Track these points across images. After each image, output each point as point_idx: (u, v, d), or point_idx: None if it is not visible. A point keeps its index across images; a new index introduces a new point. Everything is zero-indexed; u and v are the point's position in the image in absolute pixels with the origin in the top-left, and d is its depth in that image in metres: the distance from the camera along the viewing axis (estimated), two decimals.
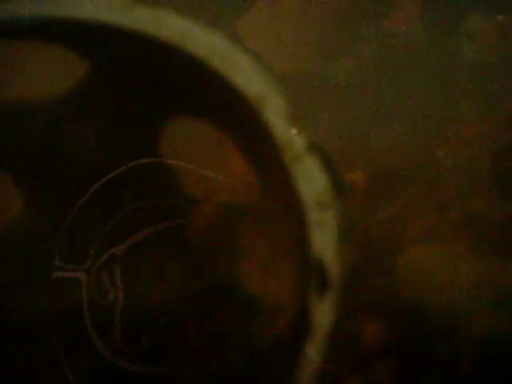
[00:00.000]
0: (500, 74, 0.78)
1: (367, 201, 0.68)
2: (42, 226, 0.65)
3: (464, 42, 0.81)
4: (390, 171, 0.70)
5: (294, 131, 0.53)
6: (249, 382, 0.60)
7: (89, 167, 0.64)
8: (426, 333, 0.61)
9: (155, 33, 0.54)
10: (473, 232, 0.65)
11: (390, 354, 0.61)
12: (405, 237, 0.65)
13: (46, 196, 0.65)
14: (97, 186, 0.65)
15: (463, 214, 0.66)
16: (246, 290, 0.61)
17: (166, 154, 0.65)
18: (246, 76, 0.54)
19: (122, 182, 0.65)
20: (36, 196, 0.65)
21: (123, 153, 0.64)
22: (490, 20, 0.80)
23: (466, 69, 0.78)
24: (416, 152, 0.71)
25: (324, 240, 0.53)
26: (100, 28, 0.55)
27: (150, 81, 0.61)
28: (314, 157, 0.53)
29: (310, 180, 0.53)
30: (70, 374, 0.63)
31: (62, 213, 0.64)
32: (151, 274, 0.64)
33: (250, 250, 0.61)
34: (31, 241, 0.65)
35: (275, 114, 0.54)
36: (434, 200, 0.67)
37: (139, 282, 0.64)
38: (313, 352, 0.53)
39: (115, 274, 0.64)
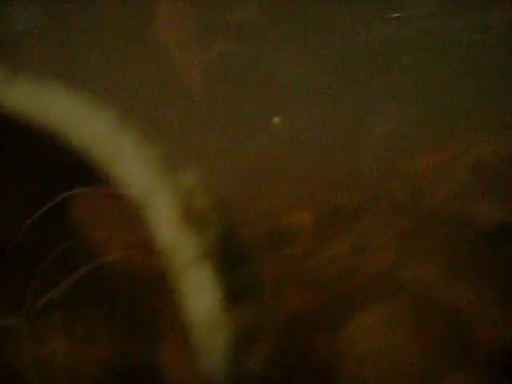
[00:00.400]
0: None
1: (316, 240, 0.65)
2: None
3: None
4: (338, 207, 0.67)
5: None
6: None
7: None
8: None
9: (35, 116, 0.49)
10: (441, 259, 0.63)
11: None
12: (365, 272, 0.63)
13: None
14: (25, 228, 0.62)
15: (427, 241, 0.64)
16: None
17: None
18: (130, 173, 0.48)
19: (51, 219, 0.61)
20: None
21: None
22: None
23: None
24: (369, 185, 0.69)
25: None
26: None
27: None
28: (205, 267, 0.48)
29: (199, 295, 0.48)
30: None
31: None
32: (94, 318, 0.62)
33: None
34: None
35: (161, 218, 0.48)
36: (392, 231, 0.65)
37: (81, 327, 0.62)
38: None
39: (54, 320, 0.62)
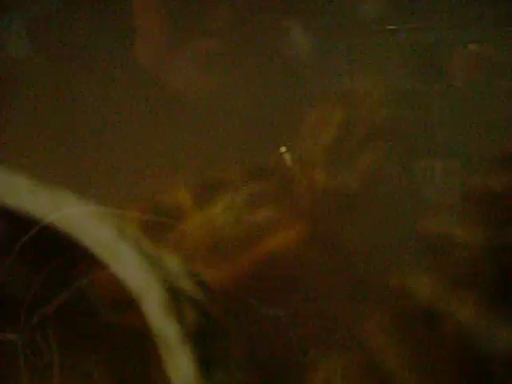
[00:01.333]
0: None
1: None
2: None
3: None
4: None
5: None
6: None
7: None
8: None
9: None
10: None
11: None
12: None
13: None
14: (20, 244, 0.63)
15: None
16: None
17: None
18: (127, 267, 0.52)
19: (45, 237, 0.63)
20: None
21: None
22: None
23: None
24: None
25: None
26: None
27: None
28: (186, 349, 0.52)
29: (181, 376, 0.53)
30: None
31: None
32: (87, 334, 0.64)
33: None
34: None
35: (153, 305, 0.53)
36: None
37: (75, 343, 0.64)
38: None
39: (49, 335, 0.64)
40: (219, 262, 0.75)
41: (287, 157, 0.77)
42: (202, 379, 0.53)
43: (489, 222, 0.69)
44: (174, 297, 0.53)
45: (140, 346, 0.59)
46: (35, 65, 1.05)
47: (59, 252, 0.64)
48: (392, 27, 0.88)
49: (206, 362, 0.53)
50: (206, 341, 0.54)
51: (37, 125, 1.02)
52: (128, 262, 0.54)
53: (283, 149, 0.76)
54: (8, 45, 1.01)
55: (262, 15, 0.94)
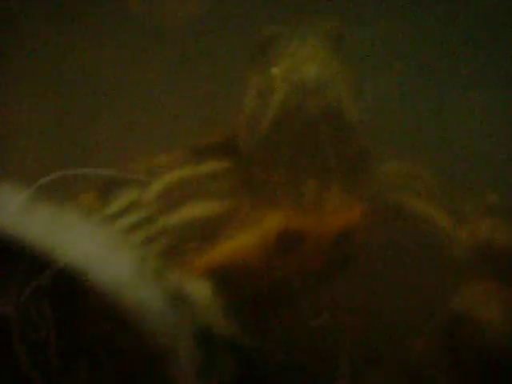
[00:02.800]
0: None
1: None
2: None
3: None
4: None
5: None
6: None
7: None
8: None
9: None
10: None
11: None
12: None
13: None
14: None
15: None
16: None
17: None
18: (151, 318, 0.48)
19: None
20: None
21: None
22: None
23: None
24: None
25: None
26: None
27: None
28: None
29: None
30: None
31: None
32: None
33: None
34: None
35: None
36: None
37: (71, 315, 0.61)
38: None
39: (44, 308, 0.61)
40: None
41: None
42: None
43: None
44: (208, 350, 0.48)
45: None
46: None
47: None
48: None
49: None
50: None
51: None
52: (151, 309, 0.49)
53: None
54: None
55: None
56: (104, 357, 0.59)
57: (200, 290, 0.53)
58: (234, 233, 0.75)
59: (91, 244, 0.51)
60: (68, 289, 0.57)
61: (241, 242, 0.75)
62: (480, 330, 0.68)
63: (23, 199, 0.53)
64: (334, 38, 0.72)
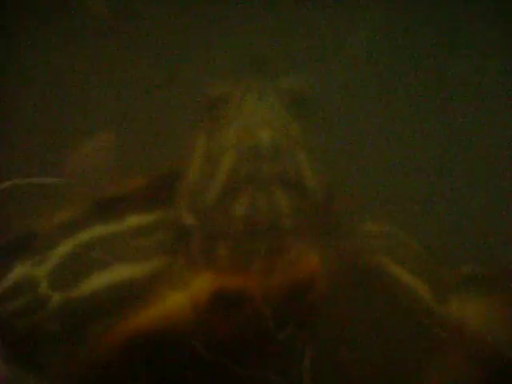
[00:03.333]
0: None
1: None
2: None
3: None
4: None
5: None
6: None
7: None
8: None
9: None
10: None
11: None
12: None
13: None
14: None
15: None
16: None
17: None
18: None
19: None
20: None
21: None
22: None
23: None
24: None
25: None
26: None
27: None
28: None
29: None
30: None
31: None
32: None
33: None
34: None
35: None
36: None
37: None
38: None
39: None
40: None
41: None
42: None
43: None
44: None
45: None
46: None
47: None
48: None
49: None
50: None
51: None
52: None
53: None
54: None
55: None
56: None
57: None
58: (163, 294, 0.67)
59: None
60: None
61: (170, 304, 0.67)
62: None
63: None
64: (294, 98, 0.65)
